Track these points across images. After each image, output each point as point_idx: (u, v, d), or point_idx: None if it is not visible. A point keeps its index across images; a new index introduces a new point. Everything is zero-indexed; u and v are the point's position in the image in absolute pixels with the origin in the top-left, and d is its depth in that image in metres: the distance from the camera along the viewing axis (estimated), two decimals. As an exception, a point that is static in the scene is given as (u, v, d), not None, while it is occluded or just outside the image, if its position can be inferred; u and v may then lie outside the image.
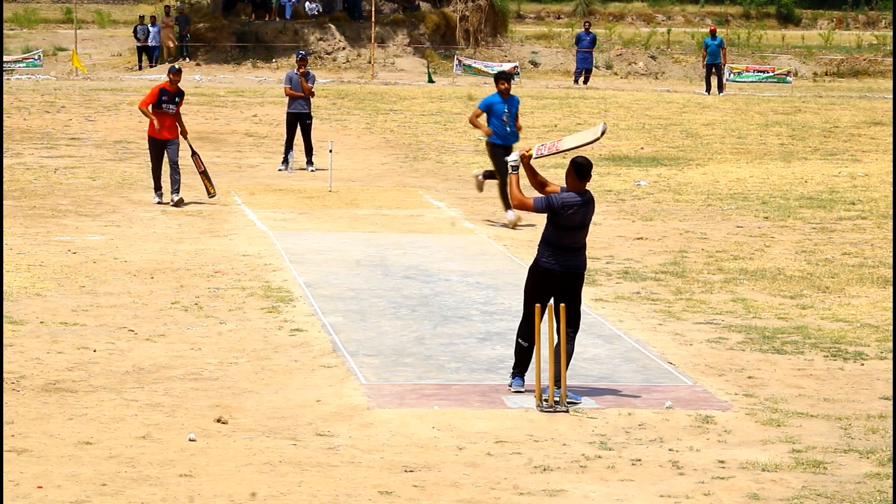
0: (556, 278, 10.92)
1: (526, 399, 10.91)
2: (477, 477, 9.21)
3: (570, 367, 11.08)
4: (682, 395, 11.24)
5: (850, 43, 56.58)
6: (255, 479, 9.05)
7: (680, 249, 17.70)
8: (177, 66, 21.07)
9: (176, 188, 20.31)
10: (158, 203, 20.39)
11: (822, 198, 22.18)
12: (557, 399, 10.72)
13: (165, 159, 20.42)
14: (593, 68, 45.74)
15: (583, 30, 47.15)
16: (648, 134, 31.11)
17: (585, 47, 46.03)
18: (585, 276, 15.69)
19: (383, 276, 15.68)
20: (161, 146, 20.37)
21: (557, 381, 10.74)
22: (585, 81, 44.59)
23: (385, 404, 10.79)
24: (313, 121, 25.11)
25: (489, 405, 10.81)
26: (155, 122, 20.29)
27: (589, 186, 11.66)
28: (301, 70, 24.44)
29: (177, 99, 20.53)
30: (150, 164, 20.90)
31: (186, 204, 20.39)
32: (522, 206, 11.02)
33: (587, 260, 11.13)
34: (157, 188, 20.59)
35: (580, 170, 10.93)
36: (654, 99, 39.22)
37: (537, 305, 10.87)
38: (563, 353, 10.78)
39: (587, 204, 10.95)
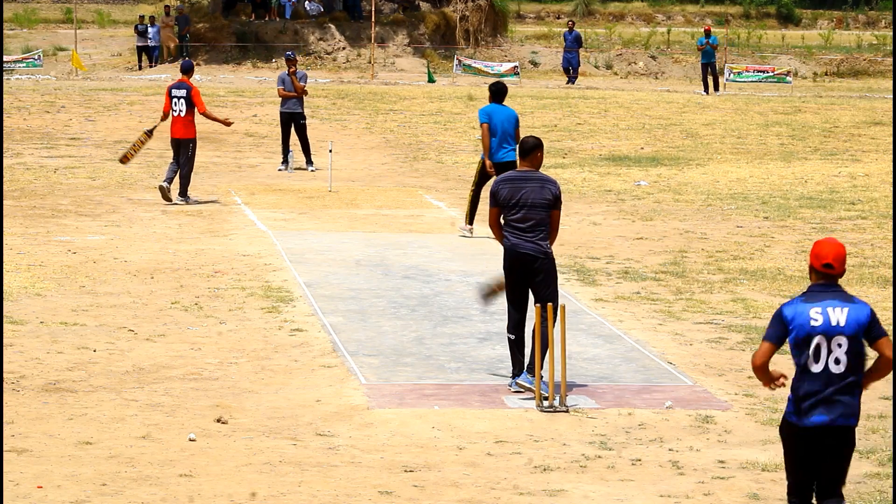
0: (512, 256, 11.03)
1: (526, 399, 10.91)
2: (477, 477, 9.21)
3: (569, 367, 11.07)
4: (682, 395, 11.24)
5: (850, 43, 56.60)
6: (255, 479, 9.05)
7: (680, 249, 17.70)
8: (191, 61, 21.61)
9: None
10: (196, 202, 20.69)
11: (822, 198, 22.18)
12: (531, 386, 10.79)
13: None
14: (578, 66, 45.68)
15: (566, 29, 47.34)
16: (648, 134, 31.12)
17: (568, 46, 46.10)
18: (586, 276, 15.75)
19: (383, 276, 15.68)
20: None
21: (531, 367, 10.87)
22: (572, 80, 44.60)
23: (385, 404, 10.78)
24: (307, 120, 25.12)
25: (489, 405, 10.81)
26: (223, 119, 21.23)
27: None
28: (291, 70, 24.55)
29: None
30: (171, 162, 21.02)
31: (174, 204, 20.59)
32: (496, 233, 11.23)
33: (548, 251, 11.02)
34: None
35: (520, 148, 11.21)
36: (654, 99, 39.22)
37: (537, 306, 10.87)
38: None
39: (525, 181, 11.02)
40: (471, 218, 18.28)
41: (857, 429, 7.77)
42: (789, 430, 7.89)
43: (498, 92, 17.72)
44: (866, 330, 7.66)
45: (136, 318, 13.51)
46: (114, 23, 56.71)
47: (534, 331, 10.86)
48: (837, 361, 7.65)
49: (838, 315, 7.62)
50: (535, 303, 10.94)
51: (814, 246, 7.78)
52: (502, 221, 11.12)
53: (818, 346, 7.64)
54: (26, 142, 27.37)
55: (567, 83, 44.45)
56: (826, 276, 7.70)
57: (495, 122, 17.67)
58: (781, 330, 7.70)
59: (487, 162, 17.69)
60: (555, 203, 11.00)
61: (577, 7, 67.58)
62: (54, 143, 27.33)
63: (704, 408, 10.87)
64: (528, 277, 11.03)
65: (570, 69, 45.24)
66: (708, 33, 42.94)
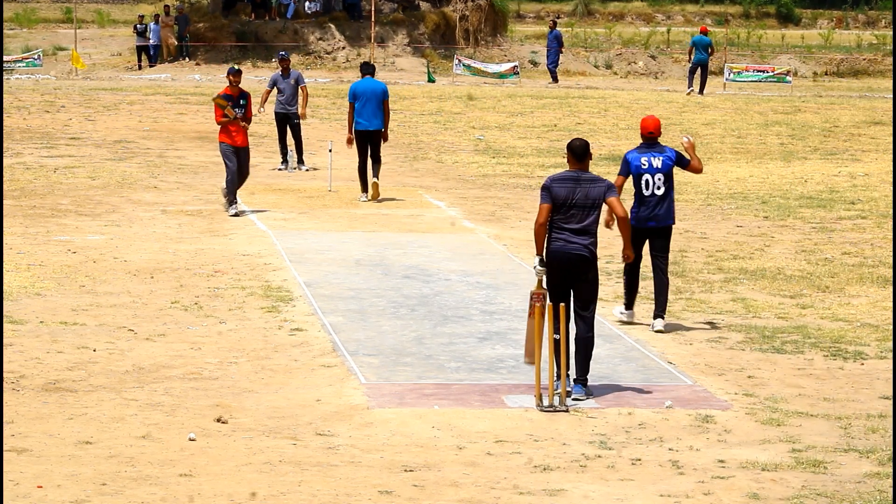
0: (563, 260, 10.96)
1: (526, 399, 10.92)
2: (477, 477, 9.21)
3: (569, 366, 11.07)
4: (682, 394, 11.24)
5: (850, 43, 56.60)
6: (255, 479, 9.05)
7: (680, 249, 17.70)
8: (236, 67, 20.13)
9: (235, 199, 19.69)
10: (235, 214, 19.49)
11: (822, 198, 22.18)
12: (577, 397, 10.88)
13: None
14: (557, 65, 45.70)
15: (548, 28, 47.52)
16: (648, 134, 31.09)
17: (549, 46, 46.18)
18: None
19: (383, 276, 15.68)
20: (236, 153, 19.58)
21: (581, 373, 10.98)
22: (554, 79, 44.66)
23: (385, 404, 10.79)
24: (301, 120, 25.09)
25: (489, 405, 10.81)
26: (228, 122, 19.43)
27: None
28: (283, 67, 24.64)
29: (242, 102, 19.56)
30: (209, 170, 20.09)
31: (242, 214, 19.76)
32: (536, 231, 11.02)
33: (595, 248, 11.10)
34: (234, 198, 19.70)
35: (573, 151, 11.14)
36: (654, 99, 39.22)
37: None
38: (564, 344, 10.78)
39: (580, 181, 11.04)
40: (364, 186, 21.18)
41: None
42: (635, 230, 12.84)
43: (367, 67, 21.29)
44: (675, 163, 13.12)
45: (136, 318, 13.51)
46: (114, 22, 56.73)
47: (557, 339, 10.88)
48: (658, 188, 13.08)
49: (657, 162, 13.05)
50: (575, 288, 11.02)
51: (641, 121, 13.33)
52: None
53: (647, 181, 13.05)
54: (26, 142, 27.37)
55: (550, 83, 44.51)
56: (649, 139, 13.14)
57: (362, 97, 20.78)
58: (626, 168, 13.09)
59: (349, 136, 21.04)
60: (607, 192, 11.13)
61: (576, 7, 67.59)
62: (54, 143, 27.32)
63: (704, 407, 10.87)
64: (578, 274, 11.03)
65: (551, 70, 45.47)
66: (704, 33, 42.95)
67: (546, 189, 11.01)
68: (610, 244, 17.96)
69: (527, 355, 11.07)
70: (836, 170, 25.72)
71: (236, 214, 19.52)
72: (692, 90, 41.10)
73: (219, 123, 19.68)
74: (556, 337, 10.88)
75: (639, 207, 13.13)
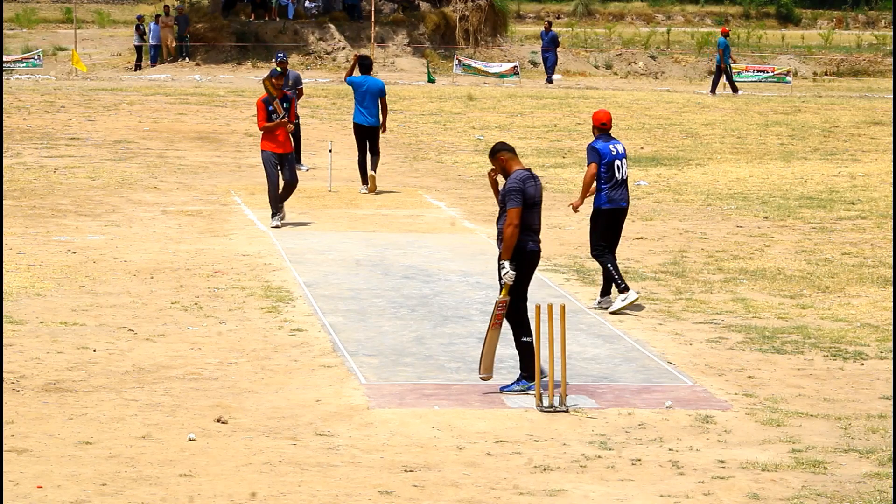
0: (535, 259, 11.09)
1: (526, 399, 10.92)
2: (477, 477, 9.21)
3: (569, 367, 11.07)
4: (682, 395, 11.24)
5: (849, 43, 56.61)
6: (255, 479, 9.05)
7: (680, 249, 17.70)
8: (278, 69, 18.97)
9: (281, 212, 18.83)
10: (276, 227, 18.54)
11: (822, 198, 22.18)
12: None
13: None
14: (555, 65, 45.88)
15: (543, 29, 47.75)
16: (648, 134, 31.11)
17: (544, 46, 46.25)
18: (586, 276, 15.79)
19: (383, 276, 15.69)
20: (280, 161, 18.63)
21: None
22: (549, 80, 44.76)
23: (385, 404, 10.79)
24: (300, 119, 25.06)
25: (489, 405, 10.81)
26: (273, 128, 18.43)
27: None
28: (281, 70, 24.48)
29: (285, 105, 18.54)
30: (265, 182, 18.89)
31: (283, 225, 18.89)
32: (512, 234, 10.89)
33: None
34: (277, 209, 18.79)
35: (511, 151, 11.16)
36: (654, 99, 39.23)
37: (537, 305, 10.86)
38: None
39: (535, 179, 11.08)
40: (364, 179, 22.02)
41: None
42: (606, 213, 14.17)
43: (364, 65, 21.86)
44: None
45: (136, 318, 13.51)
46: (114, 23, 56.75)
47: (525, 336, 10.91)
48: (625, 171, 14.20)
49: (620, 148, 14.23)
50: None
51: (593, 115, 14.31)
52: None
53: (618, 166, 14.11)
54: (26, 142, 27.37)
55: (546, 83, 44.59)
56: (604, 130, 14.17)
57: (360, 92, 21.57)
58: (596, 156, 14.03)
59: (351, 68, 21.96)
60: None
61: (576, 7, 67.60)
62: (54, 143, 27.33)
63: (704, 408, 10.87)
64: (531, 276, 11.15)
65: (547, 68, 45.59)
66: (724, 35, 43.18)
67: (520, 191, 10.87)
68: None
69: (484, 370, 11.03)
70: (836, 170, 25.71)
71: (278, 226, 18.58)
72: (730, 92, 41.51)
73: (262, 129, 18.65)
74: (529, 339, 10.92)
75: (612, 191, 14.14)
